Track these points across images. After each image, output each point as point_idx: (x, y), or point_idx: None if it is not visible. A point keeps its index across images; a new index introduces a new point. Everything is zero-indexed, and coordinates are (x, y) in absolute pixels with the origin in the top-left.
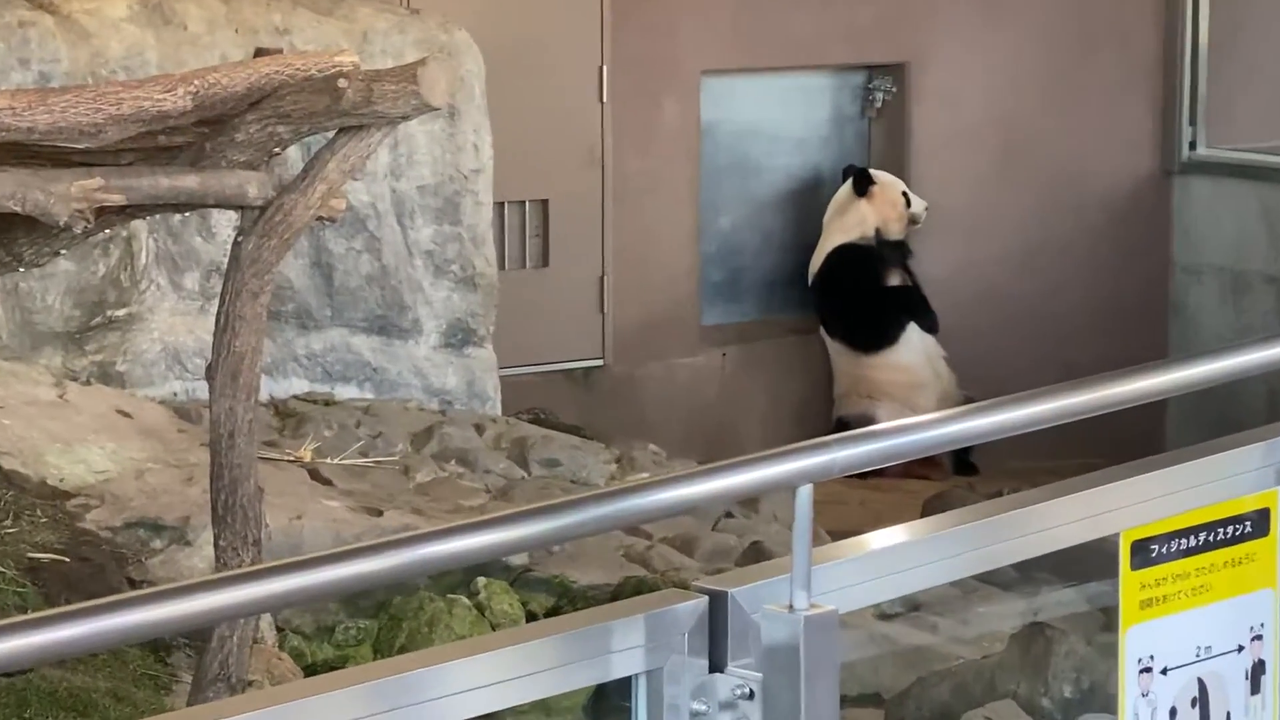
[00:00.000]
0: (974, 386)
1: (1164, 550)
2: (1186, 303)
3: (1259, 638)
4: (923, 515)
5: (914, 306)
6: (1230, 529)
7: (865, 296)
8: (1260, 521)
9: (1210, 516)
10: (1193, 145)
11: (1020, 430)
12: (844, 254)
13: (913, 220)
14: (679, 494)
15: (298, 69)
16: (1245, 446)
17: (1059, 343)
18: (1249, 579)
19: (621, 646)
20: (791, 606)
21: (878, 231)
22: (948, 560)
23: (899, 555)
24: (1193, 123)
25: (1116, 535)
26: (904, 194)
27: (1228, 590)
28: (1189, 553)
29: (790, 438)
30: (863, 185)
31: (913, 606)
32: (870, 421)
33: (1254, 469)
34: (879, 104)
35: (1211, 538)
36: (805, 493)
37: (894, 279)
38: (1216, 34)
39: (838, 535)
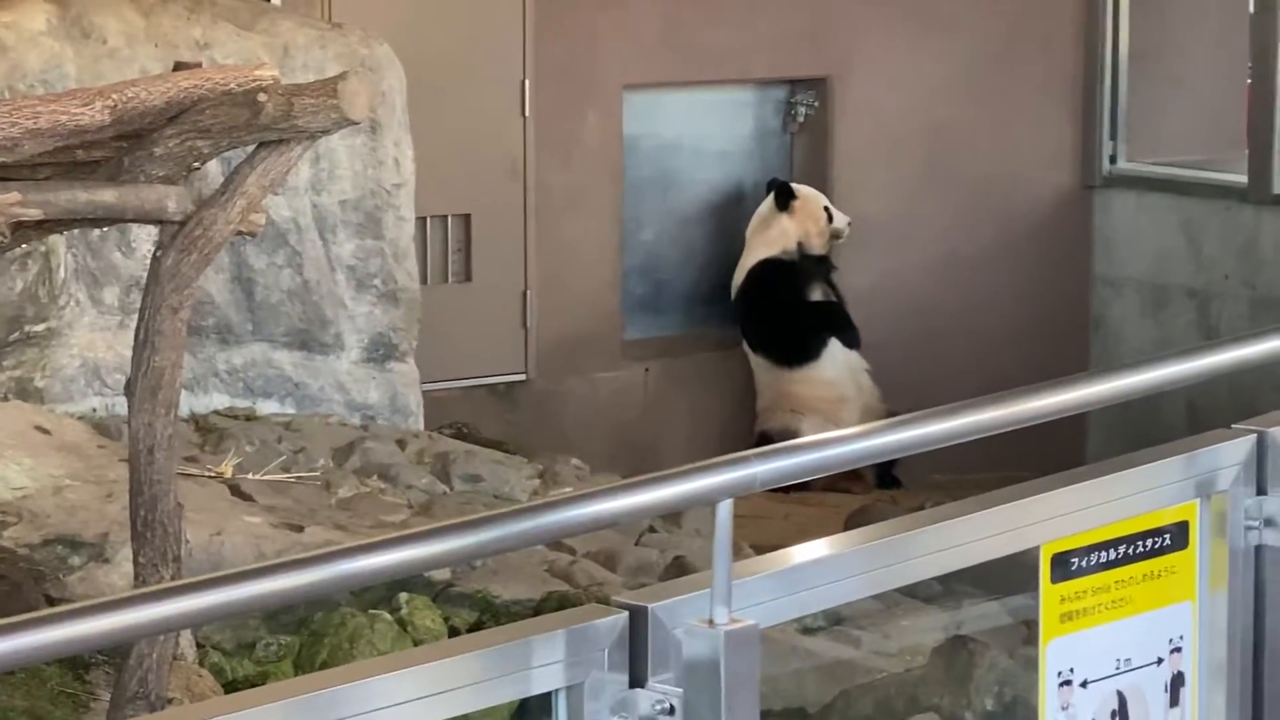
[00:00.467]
0: (897, 400)
1: (1084, 563)
2: (1108, 316)
3: (1178, 650)
4: (845, 529)
5: (835, 322)
6: (1150, 542)
7: (787, 311)
8: (1179, 534)
9: (1130, 529)
10: (1113, 159)
11: (942, 444)
12: (766, 268)
13: (835, 235)
14: (600, 509)
15: (217, 83)
16: (1165, 460)
17: (982, 355)
18: (1168, 592)
19: (543, 662)
20: (712, 621)
21: (800, 245)
22: (870, 574)
23: (821, 569)
24: (1113, 136)
25: (1037, 548)
26: (826, 209)
27: (1147, 603)
28: (1108, 566)
29: (713, 452)
30: (784, 199)
31: (835, 620)
32: (793, 436)
33: (1174, 482)
34: (801, 118)
35: (1131, 551)
36: (725, 508)
37: (816, 293)
38: (1137, 47)
39: (762, 549)
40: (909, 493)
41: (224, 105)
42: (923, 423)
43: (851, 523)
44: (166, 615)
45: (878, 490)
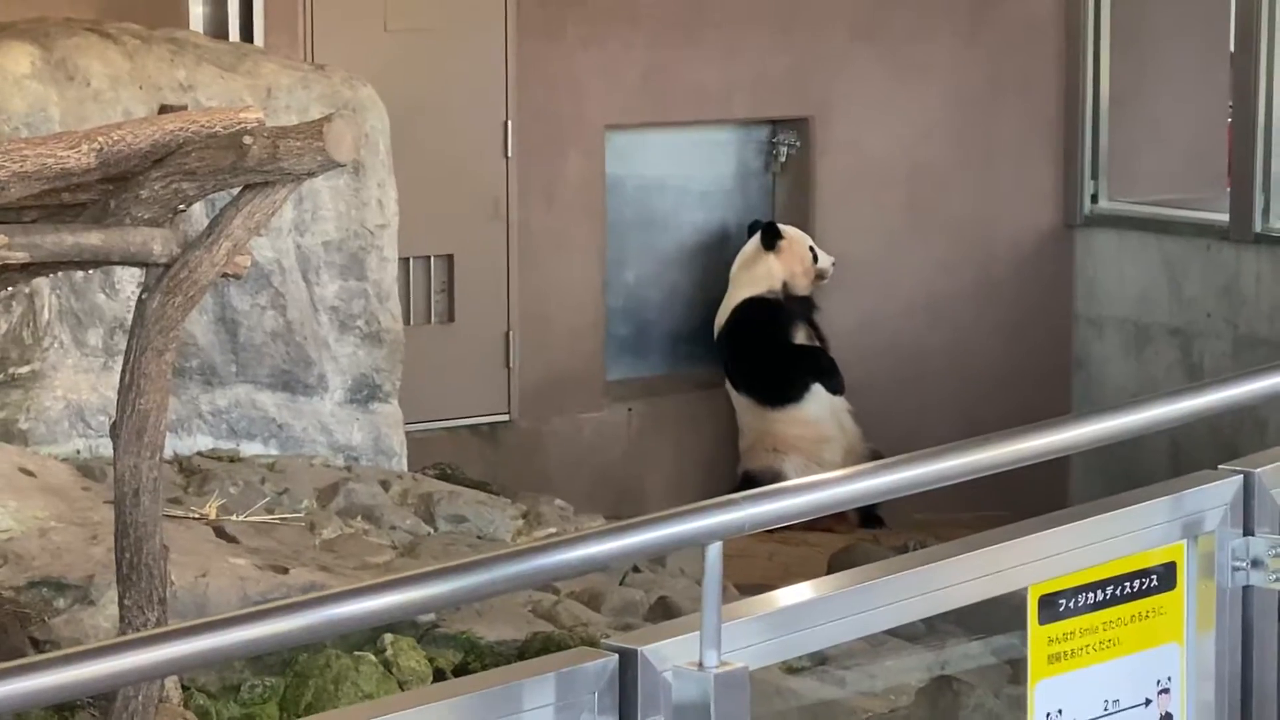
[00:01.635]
0: (879, 440)
1: (1071, 605)
2: (1090, 355)
3: (1166, 691)
4: (829, 569)
5: (820, 367)
6: (1137, 583)
7: (771, 352)
8: (1167, 575)
9: (1117, 570)
10: (1095, 198)
11: (928, 486)
12: (750, 308)
13: (820, 275)
14: (590, 552)
15: (202, 126)
16: (1152, 500)
17: (964, 396)
18: (1156, 633)
19: (533, 705)
20: (701, 664)
21: (784, 286)
22: (858, 616)
23: (809, 611)
24: (1095, 176)
25: (1024, 589)
26: (811, 249)
27: (1135, 644)
28: (1096, 607)
29: (696, 492)
30: (770, 239)
31: (820, 660)
32: (777, 476)
33: (1160, 523)
34: (783, 158)
35: (1118, 592)
36: (715, 550)
37: (800, 334)
38: (1118, 88)
39: (745, 589)
40: (892, 532)
41: (209, 148)
42: (911, 465)
43: (836, 562)
44: (154, 662)
45: (861, 529)
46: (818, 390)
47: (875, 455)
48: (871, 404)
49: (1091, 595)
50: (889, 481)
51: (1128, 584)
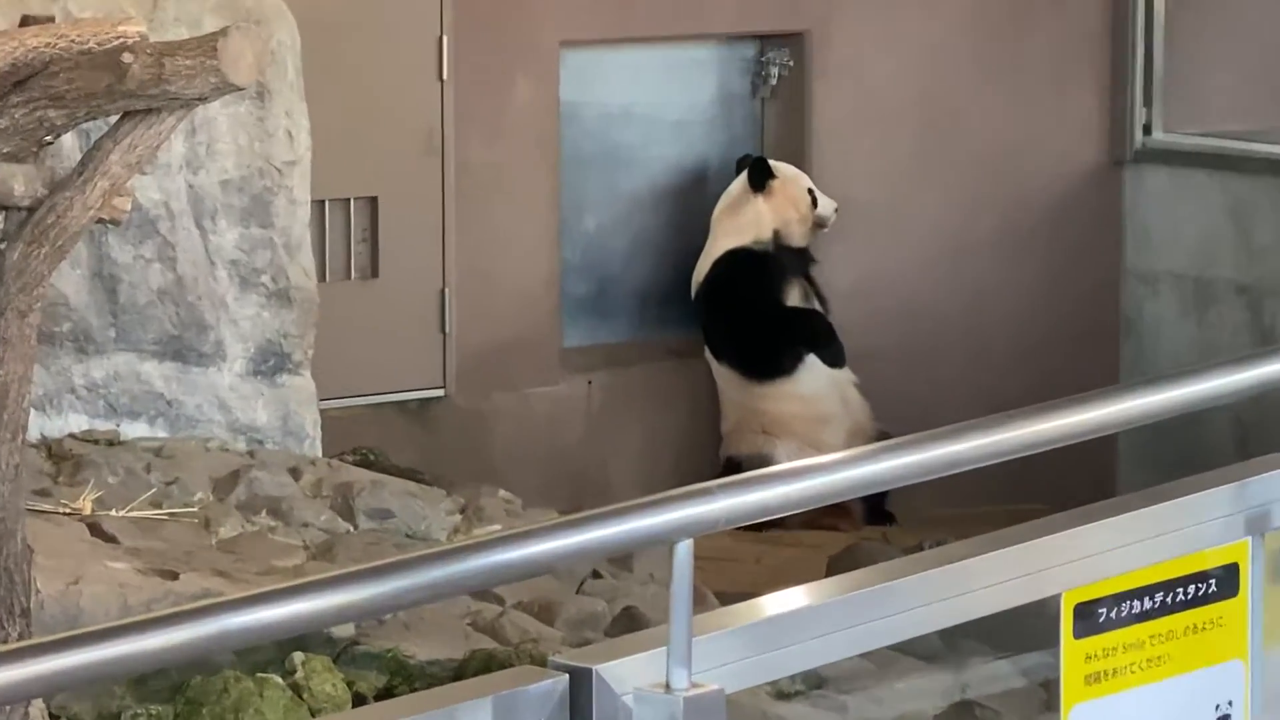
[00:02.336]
0: (890, 419)
1: (1113, 614)
2: (1141, 317)
3: (1226, 717)
4: (828, 573)
5: (816, 335)
6: (1192, 589)
7: (758, 314)
8: (1227, 579)
9: (1168, 574)
10: (1147, 130)
11: (944, 473)
12: (735, 261)
13: (819, 223)
14: (536, 551)
15: (73, 41)
16: (1209, 490)
17: (989, 365)
18: (1214, 648)
19: None
20: (668, 686)
21: (776, 234)
22: (858, 628)
23: (799, 623)
24: (1147, 103)
25: (1058, 597)
26: (810, 191)
27: (1189, 662)
28: (1143, 617)
29: (669, 482)
30: (760, 179)
31: (816, 684)
32: (765, 462)
33: (1220, 517)
34: (774, 81)
35: (1170, 599)
36: (684, 549)
37: (794, 292)
38: None
39: (728, 598)
40: (904, 530)
41: (81, 68)
42: (921, 447)
43: (835, 566)
44: (16, 682)
45: (867, 527)
46: (813, 361)
47: (885, 438)
48: (880, 376)
49: (1137, 603)
50: (897, 466)
51: (1180, 590)
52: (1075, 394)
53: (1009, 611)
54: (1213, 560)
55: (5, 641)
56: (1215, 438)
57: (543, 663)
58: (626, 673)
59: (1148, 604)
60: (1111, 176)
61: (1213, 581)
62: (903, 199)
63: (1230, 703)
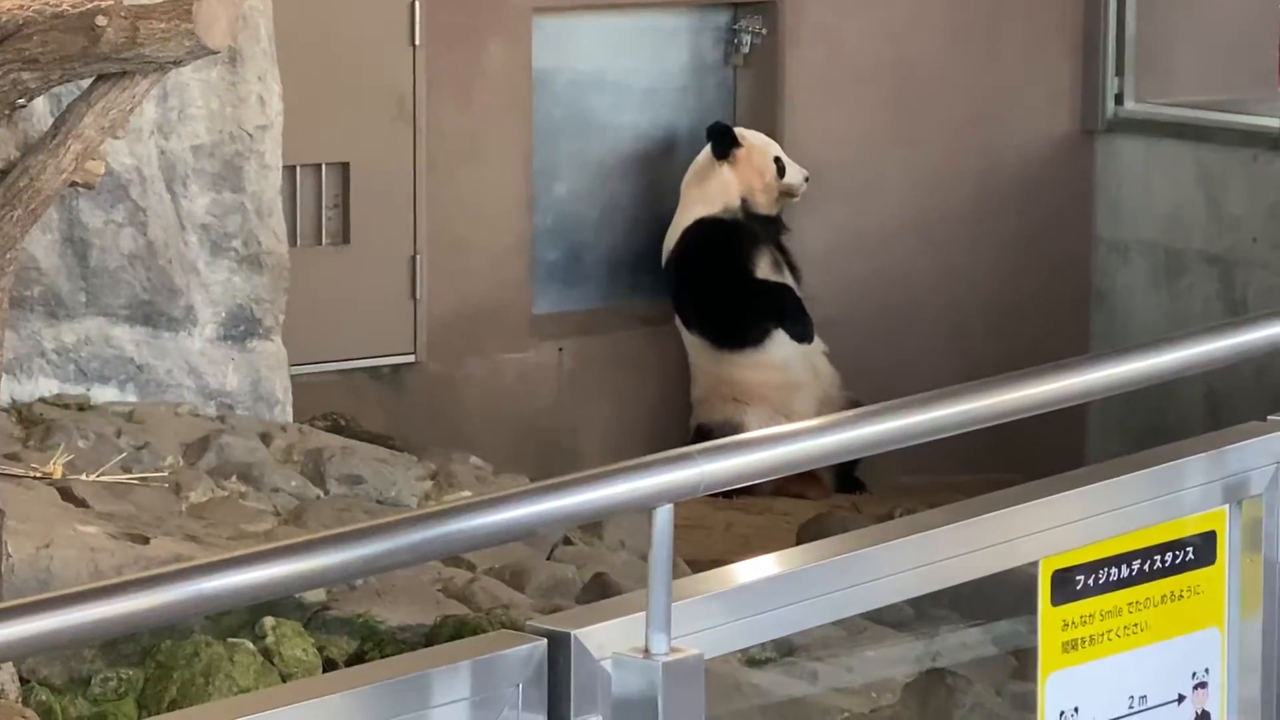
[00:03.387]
0: (860, 387)
1: (1090, 582)
2: (1112, 286)
3: (1203, 685)
4: (799, 541)
5: (784, 311)
6: (1169, 556)
7: (726, 285)
8: (1205, 547)
9: (1145, 542)
10: (1119, 99)
11: (917, 440)
12: (703, 230)
13: (787, 193)
14: (511, 516)
15: (47, 4)
16: (1186, 458)
17: (961, 334)
18: (1191, 616)
19: (443, 700)
20: (648, 651)
21: (744, 203)
22: (830, 595)
23: (774, 589)
24: (1119, 72)
25: (1034, 564)
26: (777, 160)
27: (1166, 629)
28: (1120, 585)
29: (641, 449)
30: (724, 147)
31: (787, 651)
32: (737, 430)
33: (1197, 485)
34: (746, 49)
35: (1147, 567)
36: (664, 514)
37: (763, 262)
38: None
39: (699, 565)
40: (874, 498)
41: (54, 30)
42: (894, 415)
43: (806, 534)
44: None
45: (837, 495)
46: (781, 334)
47: (854, 405)
48: (850, 344)
49: (1114, 571)
50: (871, 434)
51: (1158, 558)
52: (1047, 363)
53: (983, 579)
54: (1190, 528)
55: None
56: (1187, 408)
57: (514, 628)
58: (605, 638)
59: (1125, 571)
60: (1083, 146)
61: (1190, 549)
62: (875, 167)
63: (1207, 670)
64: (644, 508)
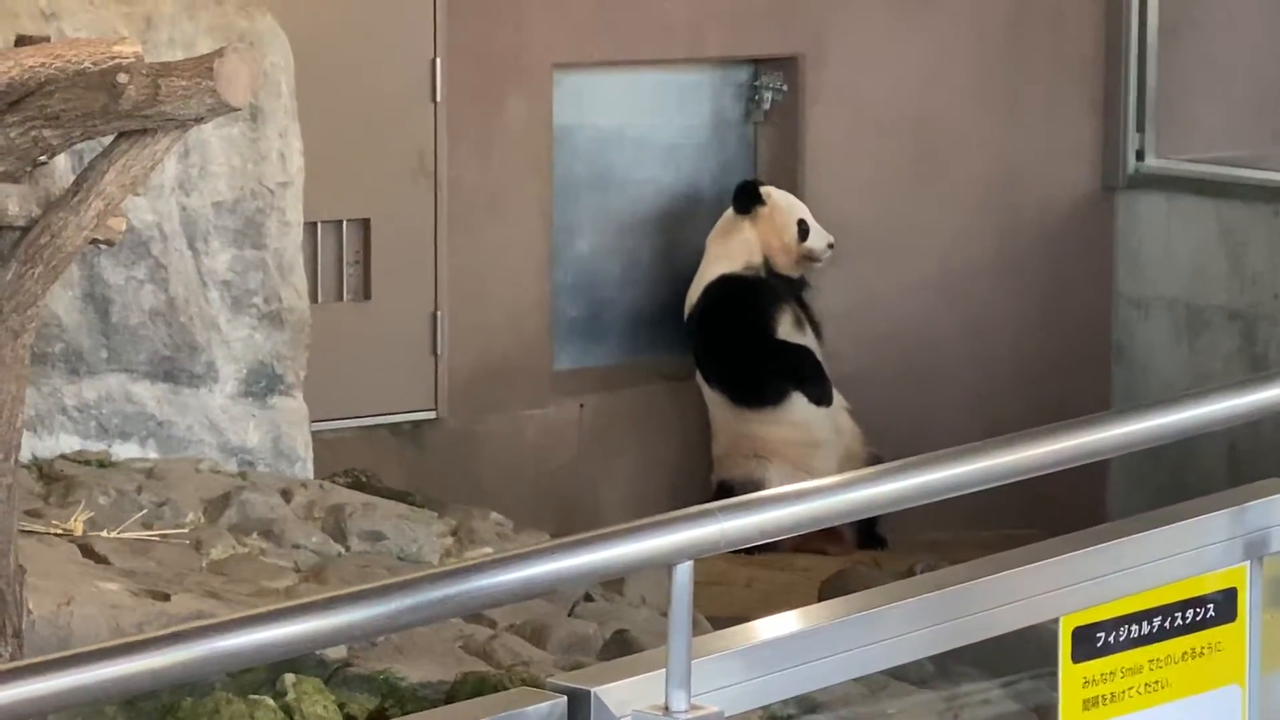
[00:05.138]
0: (883, 443)
1: (1111, 639)
2: (1133, 342)
3: None
4: (820, 598)
5: (802, 373)
6: (1190, 613)
7: (745, 344)
8: (1226, 604)
9: (1166, 599)
10: (1140, 155)
11: (938, 497)
12: (724, 287)
13: (808, 257)
14: (533, 573)
15: (69, 61)
16: (1207, 515)
17: (982, 390)
18: (1213, 673)
19: None
20: (668, 708)
21: (767, 260)
22: (852, 653)
23: (795, 646)
24: (1140, 128)
25: (1055, 621)
26: (801, 223)
27: (1187, 687)
28: (1141, 642)
29: (661, 505)
30: (746, 203)
31: (809, 708)
32: (757, 486)
33: (1218, 541)
34: (767, 105)
35: (1168, 624)
36: (684, 571)
37: (785, 320)
38: (1168, 20)
39: (720, 623)
40: (895, 554)
41: (76, 88)
42: (919, 471)
43: (827, 590)
44: (6, 702)
45: (858, 551)
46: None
47: (878, 462)
48: (873, 400)
49: (1135, 628)
50: (893, 490)
51: (1179, 614)
52: (1068, 419)
53: (1005, 636)
54: (1211, 585)
55: None
56: (1209, 462)
57: (535, 685)
58: (625, 695)
59: (1146, 628)
60: (1104, 202)
61: (1211, 606)
62: (896, 223)
63: None
64: (664, 564)
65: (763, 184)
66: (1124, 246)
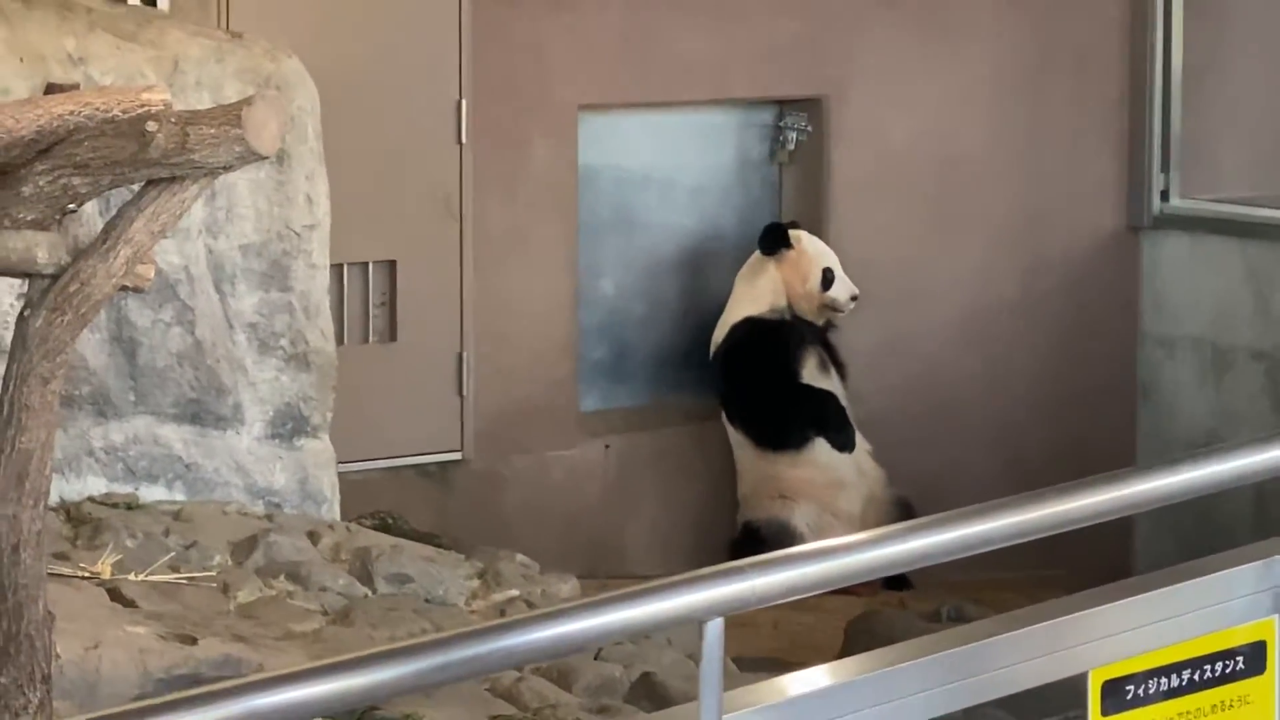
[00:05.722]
0: (907, 484)
1: (1141, 692)
2: (1158, 382)
3: None
4: (846, 639)
5: (825, 420)
6: (1219, 666)
7: (769, 387)
8: (1255, 657)
9: (1195, 652)
10: (1164, 195)
11: (968, 553)
12: (749, 329)
13: (830, 306)
14: (564, 631)
15: (98, 109)
16: (1235, 567)
17: (1007, 431)
18: None
19: None
20: None
21: (792, 303)
22: (880, 707)
23: (823, 702)
24: (1164, 169)
25: (1084, 674)
26: (827, 271)
27: None
28: (1171, 695)
29: (687, 546)
30: (772, 245)
31: None
32: (783, 527)
33: (1245, 594)
34: (791, 146)
35: (1197, 677)
36: (715, 628)
37: (809, 362)
38: (1192, 61)
39: (746, 664)
40: (921, 595)
41: (105, 136)
42: (945, 527)
43: (853, 633)
44: None
45: (884, 592)
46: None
47: (902, 503)
48: (897, 441)
49: (1165, 680)
50: (922, 546)
51: (1208, 667)
52: (1092, 460)
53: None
54: (1240, 638)
55: (27, 709)
56: (1235, 507)
57: None
58: None
59: (1175, 681)
60: (1129, 242)
61: (1240, 659)
62: (920, 263)
63: None
64: (695, 620)
65: (794, 226)
66: (1149, 286)
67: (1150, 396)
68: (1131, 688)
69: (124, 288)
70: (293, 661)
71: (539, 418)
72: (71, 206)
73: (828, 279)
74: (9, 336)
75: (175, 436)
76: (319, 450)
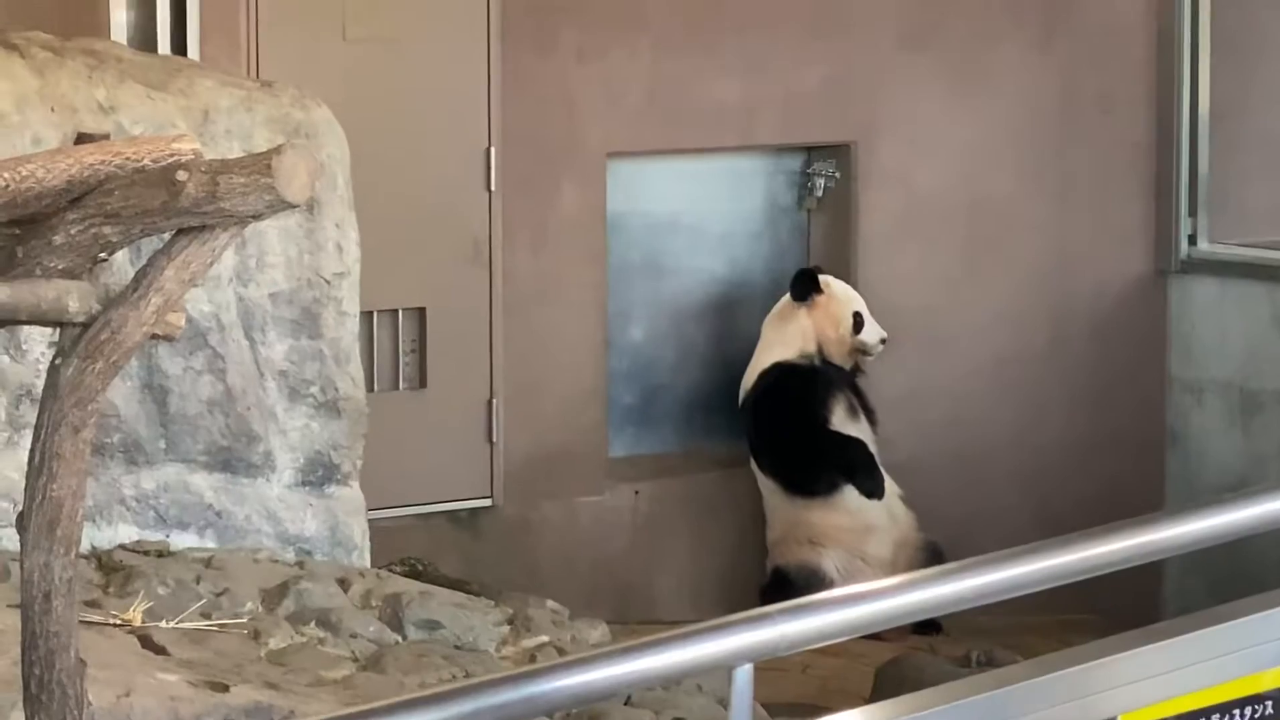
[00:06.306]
0: (937, 529)
1: None
2: (1187, 426)
3: None
4: (876, 684)
5: (854, 467)
6: (1248, 710)
7: (798, 433)
8: None
9: (1224, 696)
10: (1192, 239)
11: (997, 598)
12: (779, 375)
13: (861, 349)
14: (595, 678)
15: (128, 159)
16: (1264, 612)
17: (1036, 475)
18: None
19: None
20: None
21: (820, 348)
22: None
23: None
24: (1192, 213)
25: (1114, 719)
26: (856, 315)
27: None
28: None
29: (716, 592)
30: (803, 290)
31: None
32: (813, 572)
33: (1275, 639)
34: (819, 192)
35: None
36: (745, 674)
37: (839, 408)
38: (1220, 104)
39: (775, 709)
40: (950, 639)
41: (136, 185)
42: (975, 573)
43: (883, 678)
44: None
45: (913, 636)
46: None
47: (932, 548)
48: (926, 486)
49: None
50: (952, 592)
51: (1237, 712)
52: (1121, 504)
53: None
54: (1268, 683)
55: None
56: (1264, 551)
57: None
58: None
59: None
60: (1157, 286)
61: (1269, 703)
62: (948, 308)
63: None
64: (724, 667)
65: (823, 272)
66: (1177, 331)
67: (1179, 441)
68: None
69: (155, 336)
70: (324, 709)
71: (568, 464)
72: (103, 255)
73: (858, 323)
74: (41, 385)
75: (206, 484)
76: (349, 497)
